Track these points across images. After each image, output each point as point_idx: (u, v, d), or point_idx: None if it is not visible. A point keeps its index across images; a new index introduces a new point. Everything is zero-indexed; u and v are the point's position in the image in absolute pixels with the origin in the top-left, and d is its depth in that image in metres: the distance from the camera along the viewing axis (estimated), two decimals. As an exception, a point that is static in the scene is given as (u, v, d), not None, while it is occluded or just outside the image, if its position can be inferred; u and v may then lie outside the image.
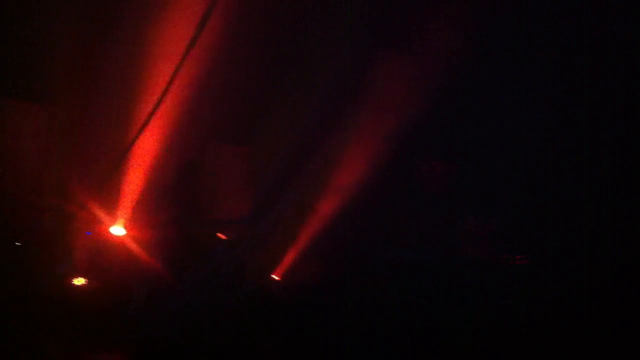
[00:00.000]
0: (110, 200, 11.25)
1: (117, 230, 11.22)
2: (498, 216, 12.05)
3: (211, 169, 12.08)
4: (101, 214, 11.13)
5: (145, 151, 11.32)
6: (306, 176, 11.91)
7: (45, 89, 10.91)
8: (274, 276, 11.61)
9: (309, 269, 11.50)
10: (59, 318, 10.06)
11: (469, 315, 10.50)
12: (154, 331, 10.24)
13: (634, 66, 11.27)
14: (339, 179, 11.89)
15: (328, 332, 10.16)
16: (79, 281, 10.71)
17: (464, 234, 12.09)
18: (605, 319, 9.89)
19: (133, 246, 11.10)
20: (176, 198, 11.65)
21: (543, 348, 9.39)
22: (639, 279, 10.55)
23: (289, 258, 11.65)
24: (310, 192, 11.89)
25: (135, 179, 11.30)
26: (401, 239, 12.07)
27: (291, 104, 12.07)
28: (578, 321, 9.90)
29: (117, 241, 11.10)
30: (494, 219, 12.03)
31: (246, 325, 10.47)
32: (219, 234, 11.58)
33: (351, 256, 11.79)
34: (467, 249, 11.95)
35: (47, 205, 10.85)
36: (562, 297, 10.47)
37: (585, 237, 11.17)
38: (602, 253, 10.98)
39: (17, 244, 10.41)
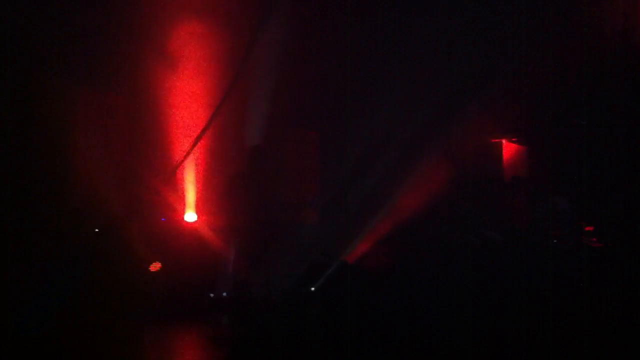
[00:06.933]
0: (182, 187, 11.30)
1: (190, 216, 11.27)
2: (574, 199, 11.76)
3: (279, 154, 12.00)
4: (174, 201, 11.21)
5: (215, 138, 11.37)
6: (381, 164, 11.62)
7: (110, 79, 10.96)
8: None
9: (380, 253, 11.33)
10: (138, 303, 10.14)
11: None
12: (239, 314, 10.24)
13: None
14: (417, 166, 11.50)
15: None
16: (155, 266, 10.77)
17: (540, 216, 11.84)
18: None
19: (206, 232, 11.13)
20: (246, 184, 11.64)
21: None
22: None
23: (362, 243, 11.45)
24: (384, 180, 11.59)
25: (206, 166, 11.36)
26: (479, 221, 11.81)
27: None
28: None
29: (191, 227, 11.15)
30: (568, 201, 11.78)
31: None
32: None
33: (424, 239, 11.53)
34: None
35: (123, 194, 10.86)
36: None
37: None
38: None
39: (95, 230, 10.49)
